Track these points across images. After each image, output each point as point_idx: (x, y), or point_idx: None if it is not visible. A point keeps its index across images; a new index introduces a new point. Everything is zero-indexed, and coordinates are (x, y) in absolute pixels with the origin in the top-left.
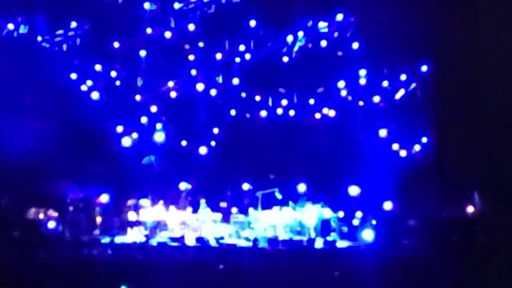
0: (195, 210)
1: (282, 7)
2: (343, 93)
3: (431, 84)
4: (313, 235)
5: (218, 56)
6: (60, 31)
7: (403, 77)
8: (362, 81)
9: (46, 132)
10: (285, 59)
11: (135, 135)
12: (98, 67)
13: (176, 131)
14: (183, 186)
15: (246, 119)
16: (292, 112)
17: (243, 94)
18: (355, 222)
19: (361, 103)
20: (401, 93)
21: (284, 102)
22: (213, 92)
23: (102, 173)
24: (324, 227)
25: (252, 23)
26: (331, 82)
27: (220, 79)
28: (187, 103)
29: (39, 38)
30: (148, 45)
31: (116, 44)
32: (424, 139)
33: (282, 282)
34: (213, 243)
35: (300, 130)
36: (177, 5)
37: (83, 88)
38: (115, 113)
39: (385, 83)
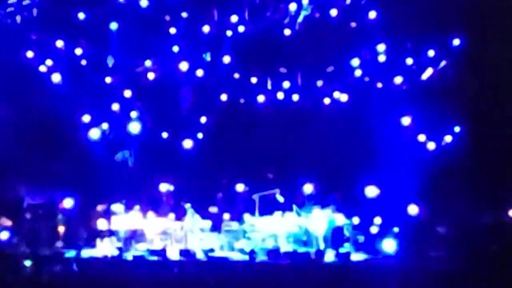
0: (179, 216)
1: None
2: (358, 73)
3: (465, 62)
4: (322, 246)
5: (206, 29)
6: (13, 0)
7: (430, 53)
8: (381, 58)
9: None
10: (287, 32)
11: (105, 125)
12: (59, 44)
13: (155, 121)
14: (164, 187)
15: (240, 106)
16: (295, 97)
17: (236, 75)
18: (374, 230)
19: (379, 85)
20: (428, 72)
21: (286, 84)
22: (199, 73)
23: (65, 172)
24: (336, 237)
25: None
26: (343, 60)
27: (208, 57)
28: (168, 87)
29: None
30: (120, 16)
31: (82, 15)
32: (457, 129)
33: None
34: (201, 256)
35: (306, 118)
36: None
37: (42, 69)
38: (80, 99)
39: (409, 61)
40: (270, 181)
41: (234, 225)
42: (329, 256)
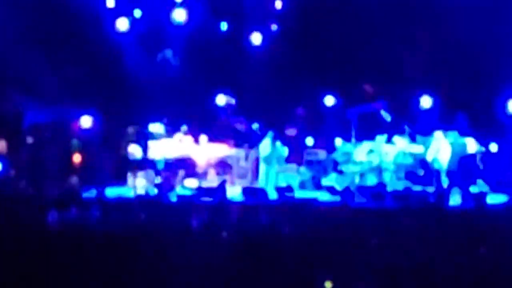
0: (241, 141)
1: None
2: None
3: None
4: (445, 183)
5: None
6: None
7: None
8: None
9: None
10: None
11: (137, 12)
12: None
13: (209, 6)
14: (222, 100)
15: None
16: None
17: None
18: None
19: None
20: None
21: None
22: None
23: (82, 79)
24: (465, 171)
25: None
26: None
27: None
28: None
29: None
30: None
31: None
32: None
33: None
34: (273, 197)
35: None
36: None
37: None
38: None
39: None
40: (369, 92)
41: (321, 154)
42: (456, 198)
